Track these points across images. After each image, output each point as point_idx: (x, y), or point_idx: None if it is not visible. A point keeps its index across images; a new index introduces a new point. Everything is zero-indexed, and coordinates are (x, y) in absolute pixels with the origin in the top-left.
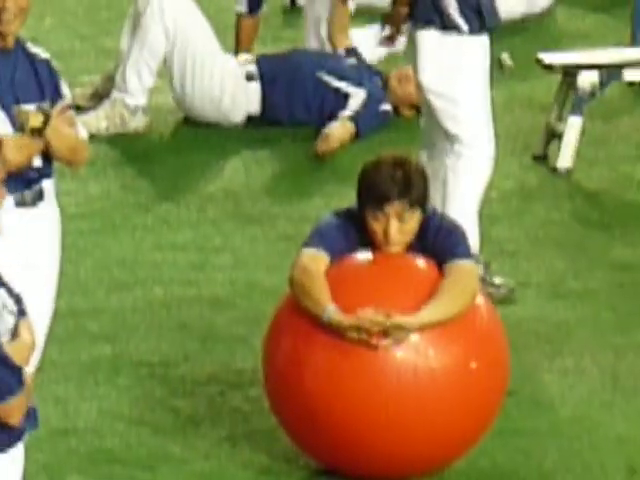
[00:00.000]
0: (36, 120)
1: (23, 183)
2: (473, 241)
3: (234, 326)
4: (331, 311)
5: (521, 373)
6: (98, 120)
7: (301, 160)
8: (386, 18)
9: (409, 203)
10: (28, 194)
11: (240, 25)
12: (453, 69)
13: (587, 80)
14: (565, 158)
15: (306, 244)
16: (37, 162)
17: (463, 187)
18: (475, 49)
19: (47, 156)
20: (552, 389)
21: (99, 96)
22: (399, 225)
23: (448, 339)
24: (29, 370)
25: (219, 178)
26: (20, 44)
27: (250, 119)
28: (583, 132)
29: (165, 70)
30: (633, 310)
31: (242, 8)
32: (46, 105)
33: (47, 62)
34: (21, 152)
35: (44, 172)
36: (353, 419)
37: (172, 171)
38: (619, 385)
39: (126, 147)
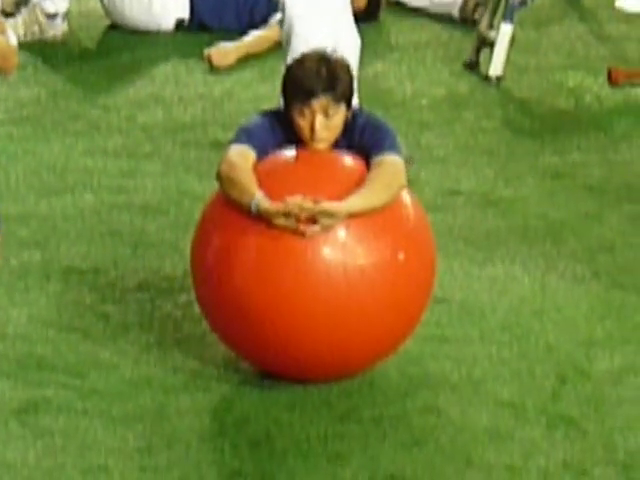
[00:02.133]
0: None
1: None
2: None
3: (165, 232)
4: (259, 199)
5: (451, 280)
6: (16, 27)
7: (231, 66)
8: None
9: (334, 98)
10: None
11: None
12: None
13: None
14: (496, 66)
15: (233, 141)
16: None
17: None
18: None
19: None
20: (482, 296)
21: (24, 2)
22: (325, 120)
23: (376, 232)
24: None
25: (149, 84)
26: None
27: (179, 25)
28: (514, 40)
29: None
30: (563, 217)
31: None
32: None
33: None
34: None
35: None
36: (282, 315)
37: (102, 77)
38: (549, 293)
39: (56, 53)
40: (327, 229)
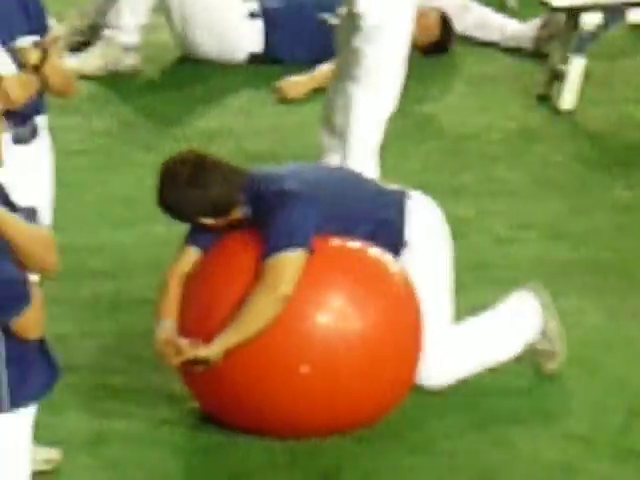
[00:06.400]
0: (35, 57)
1: (19, 119)
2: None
3: None
4: (157, 327)
5: None
6: (92, 60)
7: (303, 98)
8: None
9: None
10: (25, 130)
11: None
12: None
13: (590, 21)
14: (567, 99)
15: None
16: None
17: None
18: None
19: (40, 90)
20: None
21: (98, 35)
22: (221, 221)
23: (357, 299)
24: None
25: (221, 116)
26: None
27: (252, 57)
28: (586, 73)
29: (162, 6)
30: (634, 251)
31: None
32: (41, 40)
33: None
34: (25, 89)
35: (38, 107)
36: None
37: (174, 108)
38: (620, 327)
39: (128, 84)
40: (203, 369)
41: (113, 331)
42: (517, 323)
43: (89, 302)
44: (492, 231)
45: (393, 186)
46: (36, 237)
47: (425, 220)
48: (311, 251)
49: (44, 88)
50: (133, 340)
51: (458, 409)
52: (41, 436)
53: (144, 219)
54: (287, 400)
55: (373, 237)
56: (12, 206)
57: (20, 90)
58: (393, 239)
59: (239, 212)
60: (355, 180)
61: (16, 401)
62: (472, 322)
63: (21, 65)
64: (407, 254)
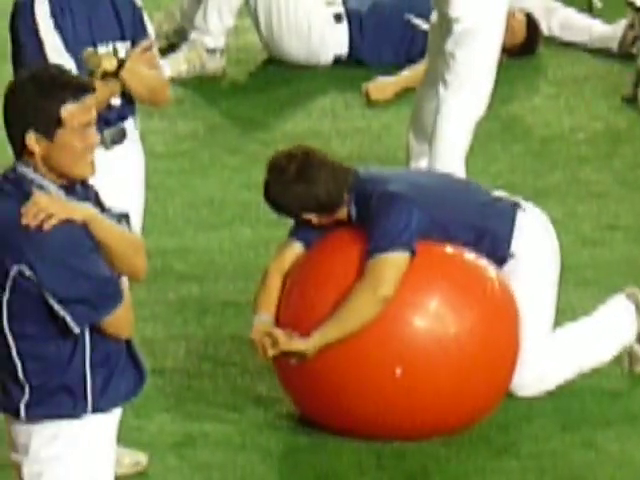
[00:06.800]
0: (109, 63)
1: (102, 123)
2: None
3: None
4: (254, 319)
5: None
6: (177, 63)
7: (389, 100)
8: None
9: (316, 214)
10: (107, 134)
11: None
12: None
13: None
14: None
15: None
16: (116, 102)
17: (453, 120)
18: None
19: (127, 96)
20: None
21: (184, 37)
22: (317, 218)
23: (457, 304)
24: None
25: (307, 118)
26: None
27: (337, 60)
28: None
29: (248, 9)
30: None
31: None
32: (122, 46)
33: (130, 1)
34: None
35: (124, 112)
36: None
37: (260, 111)
38: None
39: (214, 87)
40: (299, 362)
41: (200, 334)
42: (614, 329)
43: (176, 305)
44: (578, 232)
45: (505, 196)
46: (126, 240)
47: (535, 233)
48: (414, 254)
49: (128, 95)
50: (220, 343)
51: (545, 411)
52: (129, 439)
53: (230, 222)
54: (381, 402)
55: (476, 245)
56: (102, 208)
57: None
58: (498, 249)
59: (344, 211)
60: (460, 188)
61: (101, 403)
62: (568, 330)
63: (92, 72)
64: (513, 265)
